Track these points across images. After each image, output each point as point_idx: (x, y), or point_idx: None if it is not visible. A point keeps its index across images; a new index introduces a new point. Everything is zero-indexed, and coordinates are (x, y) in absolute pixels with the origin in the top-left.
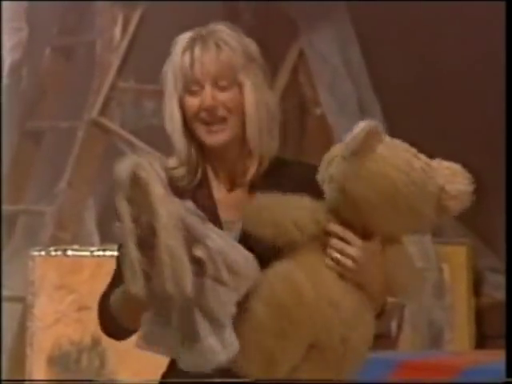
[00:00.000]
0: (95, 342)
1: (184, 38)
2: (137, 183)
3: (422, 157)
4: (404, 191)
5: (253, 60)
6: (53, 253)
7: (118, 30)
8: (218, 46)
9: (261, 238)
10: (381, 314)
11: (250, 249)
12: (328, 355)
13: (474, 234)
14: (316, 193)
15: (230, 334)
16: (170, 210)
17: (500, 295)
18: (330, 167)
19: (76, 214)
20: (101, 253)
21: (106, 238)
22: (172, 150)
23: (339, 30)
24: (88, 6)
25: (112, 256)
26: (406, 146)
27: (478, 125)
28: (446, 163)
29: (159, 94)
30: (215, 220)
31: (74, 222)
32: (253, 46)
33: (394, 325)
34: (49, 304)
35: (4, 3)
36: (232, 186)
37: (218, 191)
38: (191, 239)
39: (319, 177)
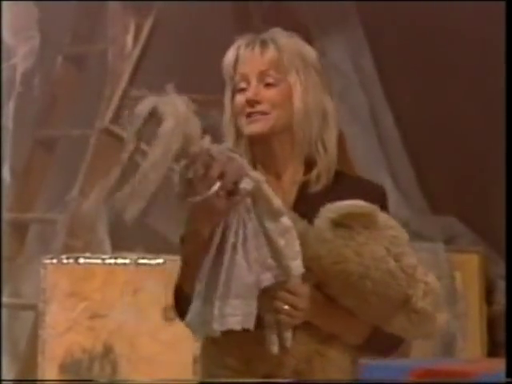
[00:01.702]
0: (107, 350)
1: (236, 41)
2: (153, 117)
3: (407, 259)
4: (356, 282)
5: (307, 62)
6: (64, 261)
7: (129, 38)
8: (264, 43)
9: None
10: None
11: None
12: None
13: (486, 242)
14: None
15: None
16: (167, 148)
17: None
18: (318, 219)
19: (88, 222)
20: (112, 261)
21: (117, 246)
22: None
23: (351, 38)
24: (100, 15)
25: (123, 264)
26: (395, 242)
27: (494, 129)
28: (429, 278)
29: None
30: None
31: (86, 230)
32: (311, 53)
33: None
34: (60, 312)
35: (16, 12)
36: (279, 187)
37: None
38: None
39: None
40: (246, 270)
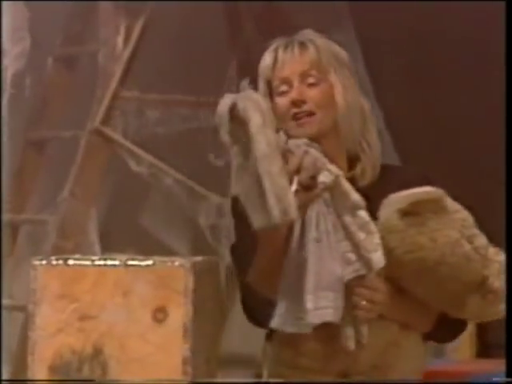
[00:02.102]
0: (97, 352)
1: (272, 44)
2: (235, 115)
3: (478, 241)
4: (433, 268)
5: (340, 60)
6: (54, 262)
7: (120, 40)
8: (303, 44)
9: None
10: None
11: None
12: None
13: None
14: None
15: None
16: (268, 138)
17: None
18: (384, 211)
19: (78, 224)
20: (102, 262)
21: (107, 248)
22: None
23: (343, 41)
24: (90, 16)
25: (113, 265)
26: (464, 224)
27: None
28: (500, 256)
29: (162, 103)
30: None
31: (77, 231)
32: (343, 53)
33: None
34: (50, 313)
35: (7, 13)
36: None
37: None
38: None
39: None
40: (333, 263)
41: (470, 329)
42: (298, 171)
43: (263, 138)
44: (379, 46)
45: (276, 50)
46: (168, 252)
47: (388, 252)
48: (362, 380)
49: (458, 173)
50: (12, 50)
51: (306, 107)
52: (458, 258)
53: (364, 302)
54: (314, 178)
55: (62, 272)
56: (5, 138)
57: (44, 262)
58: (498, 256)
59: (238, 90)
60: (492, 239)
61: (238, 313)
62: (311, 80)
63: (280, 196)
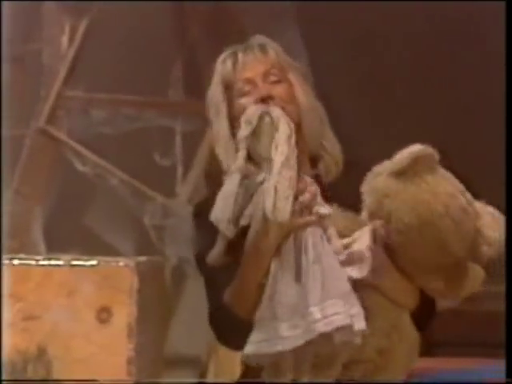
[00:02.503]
0: (41, 352)
1: (227, 50)
2: (268, 120)
3: (468, 196)
4: (437, 223)
5: (297, 69)
6: None
7: (65, 39)
8: (262, 46)
9: None
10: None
11: None
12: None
13: None
14: None
15: None
16: (291, 149)
17: (446, 302)
18: (375, 180)
19: (23, 223)
20: (47, 262)
21: (52, 247)
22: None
23: (288, 41)
24: (35, 15)
25: (58, 265)
26: (455, 181)
27: (424, 132)
28: (489, 208)
29: (107, 103)
30: None
31: (21, 230)
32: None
33: None
34: None
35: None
36: None
37: None
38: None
39: (363, 187)
40: (338, 274)
41: None
42: (302, 192)
43: (286, 148)
44: (324, 44)
45: (235, 54)
46: (112, 252)
47: (388, 216)
48: (359, 380)
49: None
50: None
51: (276, 102)
52: (457, 210)
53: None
54: (308, 207)
55: (6, 271)
56: None
57: None
58: (486, 208)
59: (184, 90)
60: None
61: (182, 313)
62: (273, 78)
63: (281, 197)
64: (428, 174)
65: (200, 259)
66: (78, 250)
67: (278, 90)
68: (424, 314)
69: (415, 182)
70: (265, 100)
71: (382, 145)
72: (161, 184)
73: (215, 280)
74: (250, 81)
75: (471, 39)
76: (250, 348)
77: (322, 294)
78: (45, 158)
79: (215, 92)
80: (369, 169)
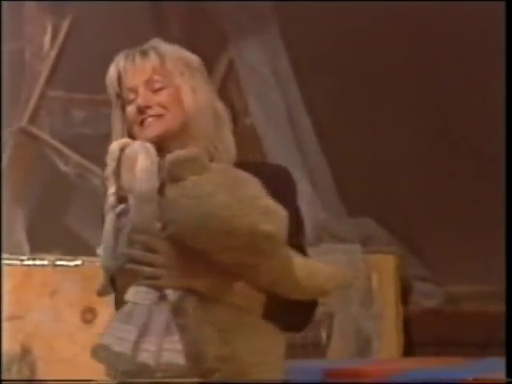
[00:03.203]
0: (25, 352)
1: (116, 59)
2: (127, 154)
3: (241, 192)
4: (208, 226)
5: (190, 66)
6: None
7: (47, 39)
8: (144, 52)
9: None
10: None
11: None
12: None
13: (402, 244)
14: (282, 191)
15: None
16: (151, 183)
17: (428, 303)
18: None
19: (6, 223)
20: (30, 262)
21: (35, 248)
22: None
23: (268, 41)
24: (17, 14)
25: (41, 265)
26: (224, 179)
27: (408, 131)
28: (266, 201)
29: (88, 103)
30: None
31: (4, 230)
32: (194, 58)
33: (323, 333)
34: None
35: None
36: None
37: None
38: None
39: None
40: None
41: (397, 328)
42: None
43: (145, 183)
44: (305, 45)
45: (118, 63)
46: (95, 252)
47: (169, 224)
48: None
49: (386, 169)
50: None
51: (151, 112)
52: (220, 209)
53: (146, 268)
54: None
55: None
56: None
57: None
58: (264, 201)
59: None
60: (492, 239)
61: None
62: (157, 85)
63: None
64: (193, 178)
65: None
66: (60, 250)
67: (159, 98)
68: (283, 314)
69: (183, 188)
70: (142, 111)
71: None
72: None
73: None
74: (132, 89)
75: (471, 39)
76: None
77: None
78: (27, 157)
79: (113, 107)
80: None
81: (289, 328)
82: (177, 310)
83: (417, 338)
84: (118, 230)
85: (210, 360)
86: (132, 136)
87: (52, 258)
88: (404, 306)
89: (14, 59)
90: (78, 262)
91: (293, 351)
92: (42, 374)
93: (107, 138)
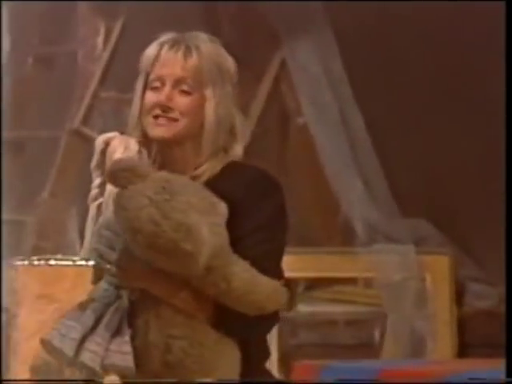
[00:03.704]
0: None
1: (161, 37)
2: (109, 149)
3: (173, 204)
4: (134, 238)
5: (224, 74)
6: (35, 262)
7: (99, 40)
8: (188, 49)
9: None
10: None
11: None
12: None
13: (456, 244)
14: (260, 197)
15: None
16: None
17: (481, 304)
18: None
19: (58, 224)
20: (83, 262)
21: None
22: None
23: (321, 40)
24: (70, 16)
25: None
26: (156, 191)
27: (462, 131)
28: (190, 218)
29: None
30: None
31: (57, 231)
32: (229, 61)
33: (376, 334)
34: (31, 313)
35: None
36: None
37: None
38: None
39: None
40: None
41: (451, 329)
42: None
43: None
44: (358, 45)
45: (161, 46)
46: None
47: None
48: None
49: (439, 169)
50: None
51: (169, 113)
52: (147, 224)
53: (108, 265)
54: None
55: (42, 272)
56: None
57: (25, 263)
58: (189, 218)
59: None
60: (492, 240)
61: None
62: (185, 87)
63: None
64: (128, 188)
65: None
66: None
67: (183, 102)
68: (230, 323)
69: (117, 196)
70: (161, 107)
71: None
72: None
73: None
74: (161, 78)
75: (471, 39)
76: None
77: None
78: (79, 158)
79: (140, 75)
80: None
81: (236, 337)
82: (130, 311)
83: (470, 339)
84: (95, 224)
85: (156, 365)
86: (142, 122)
87: None
88: (457, 307)
89: (66, 61)
90: None
91: (345, 352)
92: None
93: None
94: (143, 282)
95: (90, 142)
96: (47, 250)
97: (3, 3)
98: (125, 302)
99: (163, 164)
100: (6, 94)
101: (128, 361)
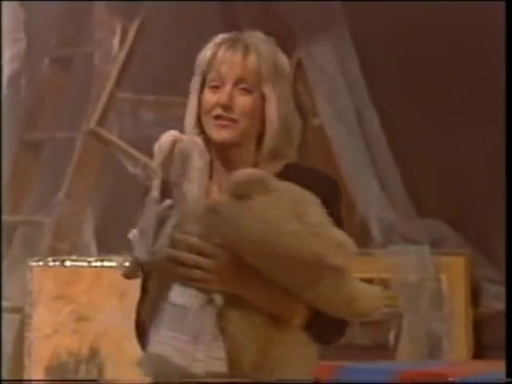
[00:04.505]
0: (93, 353)
1: (217, 37)
2: (180, 149)
3: (310, 219)
4: (268, 250)
5: (281, 72)
6: (51, 263)
7: (116, 41)
8: (247, 48)
9: None
10: (311, 322)
11: None
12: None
13: (472, 245)
14: (329, 202)
15: None
16: (202, 186)
17: (498, 305)
18: (221, 196)
19: (74, 225)
20: (99, 263)
21: (103, 249)
22: None
23: (338, 41)
24: (86, 17)
25: (110, 267)
26: (292, 203)
27: (479, 132)
28: (333, 232)
29: (158, 105)
30: None
31: (72, 232)
32: (284, 59)
33: (391, 335)
34: (47, 314)
35: (4, 14)
36: None
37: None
38: None
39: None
40: None
41: (467, 330)
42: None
43: (197, 184)
44: (375, 47)
45: (219, 46)
46: None
47: (222, 237)
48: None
49: (456, 169)
50: (8, 51)
51: (230, 114)
52: (288, 236)
53: (197, 271)
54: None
55: (58, 273)
56: (1, 140)
57: (40, 264)
58: (332, 232)
59: None
60: (492, 240)
61: None
62: (245, 86)
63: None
64: (261, 199)
65: None
66: (128, 251)
67: (243, 101)
68: (321, 327)
69: (247, 207)
70: (224, 108)
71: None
72: None
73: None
74: (221, 78)
75: (471, 39)
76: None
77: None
78: (95, 159)
79: (196, 74)
80: None
81: (322, 341)
82: (221, 316)
83: (486, 340)
84: (159, 225)
85: (246, 368)
86: (202, 122)
87: (120, 259)
88: (474, 308)
89: (83, 62)
90: None
91: (361, 353)
92: (109, 375)
93: None
94: (239, 287)
95: (106, 142)
96: (63, 251)
97: (3, 3)
98: (217, 306)
99: (221, 164)
100: (23, 95)
101: (223, 366)
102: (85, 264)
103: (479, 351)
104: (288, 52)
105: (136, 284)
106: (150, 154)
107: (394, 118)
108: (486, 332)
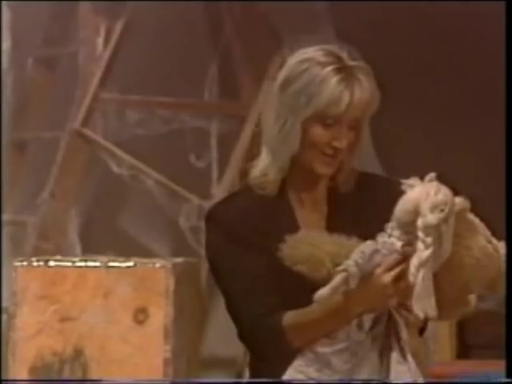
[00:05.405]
0: (78, 353)
1: (333, 72)
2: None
3: (494, 240)
4: (467, 272)
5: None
6: (35, 263)
7: (100, 41)
8: (359, 84)
9: (299, 272)
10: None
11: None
12: None
13: None
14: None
15: None
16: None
17: (483, 305)
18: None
19: (59, 225)
20: (83, 263)
21: (88, 249)
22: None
23: (322, 41)
24: (71, 17)
25: (94, 267)
26: (483, 227)
27: (477, 137)
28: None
29: (142, 105)
30: (294, 226)
31: (57, 232)
32: (374, 84)
33: None
34: (31, 314)
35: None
36: (313, 200)
37: (298, 204)
38: None
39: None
40: None
41: (451, 330)
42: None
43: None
44: (360, 48)
45: (352, 90)
46: (148, 254)
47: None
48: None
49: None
50: None
51: (340, 155)
52: (486, 259)
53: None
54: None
55: (42, 273)
56: None
57: (24, 264)
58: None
59: (219, 92)
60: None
61: (218, 314)
62: (354, 123)
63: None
64: (464, 226)
65: (214, 267)
66: (113, 251)
67: (350, 140)
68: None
69: (454, 235)
70: (336, 150)
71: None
72: (196, 185)
73: (250, 292)
74: (337, 117)
75: (471, 40)
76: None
77: None
78: (80, 159)
79: (304, 100)
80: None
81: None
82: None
83: (472, 340)
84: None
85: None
86: (303, 153)
87: (104, 259)
88: None
89: (68, 62)
90: (131, 264)
91: None
92: (94, 375)
93: (161, 140)
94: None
95: (90, 142)
96: (48, 251)
97: (3, 3)
98: (396, 321)
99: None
100: (8, 95)
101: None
102: (69, 264)
103: (464, 351)
104: (272, 53)
105: (122, 285)
106: (135, 154)
107: (380, 119)
108: (471, 332)
